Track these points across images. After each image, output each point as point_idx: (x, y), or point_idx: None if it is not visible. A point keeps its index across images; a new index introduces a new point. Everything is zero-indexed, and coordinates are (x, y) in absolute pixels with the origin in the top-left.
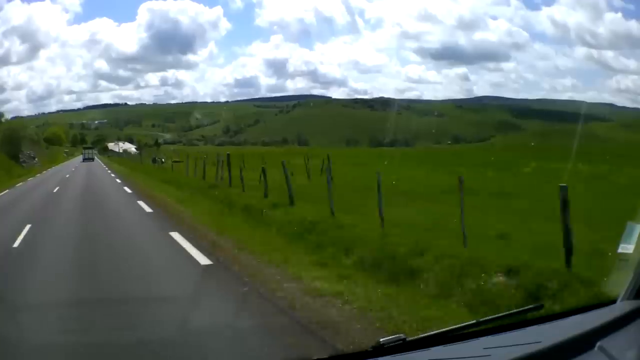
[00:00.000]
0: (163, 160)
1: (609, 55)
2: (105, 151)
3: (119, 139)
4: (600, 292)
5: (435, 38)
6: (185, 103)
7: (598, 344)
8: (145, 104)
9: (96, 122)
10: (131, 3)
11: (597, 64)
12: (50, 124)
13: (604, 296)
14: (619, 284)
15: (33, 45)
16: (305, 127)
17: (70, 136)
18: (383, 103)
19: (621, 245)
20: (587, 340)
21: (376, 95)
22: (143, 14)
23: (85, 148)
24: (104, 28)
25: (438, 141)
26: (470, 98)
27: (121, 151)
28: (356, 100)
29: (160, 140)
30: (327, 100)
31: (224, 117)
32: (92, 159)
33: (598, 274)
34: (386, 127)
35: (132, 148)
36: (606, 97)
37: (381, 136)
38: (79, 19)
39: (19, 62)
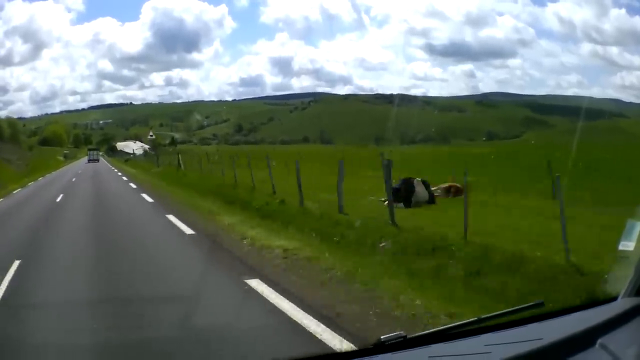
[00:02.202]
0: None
1: (613, 51)
2: (113, 152)
3: (128, 138)
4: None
5: (441, 34)
6: (192, 102)
7: (599, 341)
8: (150, 103)
9: (101, 122)
10: (134, 2)
11: (602, 60)
12: (52, 123)
13: (605, 293)
14: (619, 281)
15: (35, 45)
16: (324, 125)
17: (72, 136)
18: (403, 99)
19: (621, 243)
20: (588, 338)
21: (381, 92)
22: (147, 12)
23: (90, 149)
24: (107, 27)
25: (471, 138)
26: (477, 94)
27: (137, 152)
28: (377, 96)
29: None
30: (345, 96)
31: (235, 116)
32: (97, 160)
33: None
34: (411, 123)
35: (145, 148)
36: (610, 93)
37: (412, 133)
38: (82, 18)
39: (21, 63)
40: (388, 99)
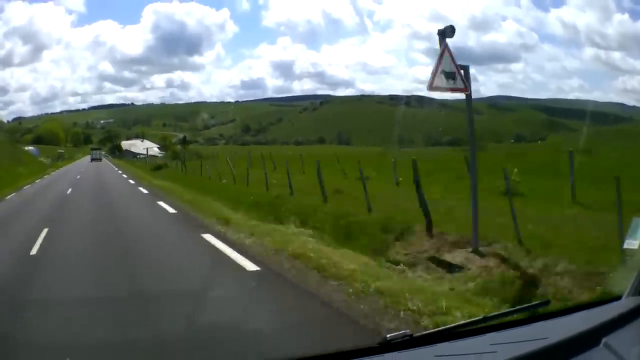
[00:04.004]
0: None
1: (616, 55)
2: (120, 153)
3: (130, 137)
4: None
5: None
6: (195, 103)
7: (603, 340)
8: (152, 104)
9: (102, 121)
10: (136, 5)
11: (604, 65)
12: (49, 121)
13: (609, 292)
14: (624, 280)
15: (36, 46)
16: (339, 126)
17: (71, 135)
18: (419, 100)
19: (626, 241)
20: (592, 337)
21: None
22: (148, 16)
23: (93, 149)
24: (108, 30)
25: (499, 140)
26: (479, 98)
27: (152, 152)
28: (392, 97)
29: (177, 139)
30: (359, 97)
31: (240, 116)
32: (100, 159)
33: None
34: (431, 125)
35: (154, 147)
36: (612, 97)
37: (436, 135)
38: (82, 20)
39: (22, 64)
40: (403, 100)
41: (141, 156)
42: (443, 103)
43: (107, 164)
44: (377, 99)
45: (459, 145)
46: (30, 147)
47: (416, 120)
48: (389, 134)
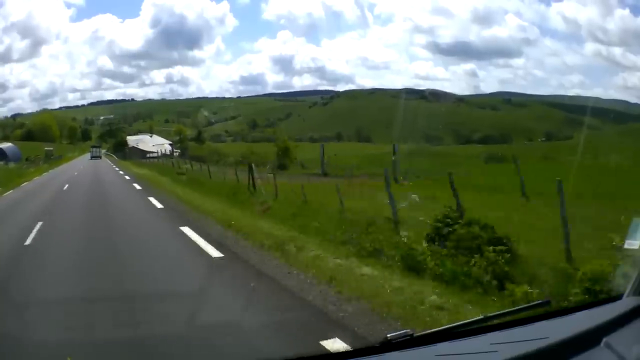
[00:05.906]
0: None
1: (616, 51)
2: (130, 151)
3: (130, 133)
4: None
5: (445, 32)
6: (196, 98)
7: (604, 339)
8: (152, 99)
9: (101, 117)
10: None
11: (605, 61)
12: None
13: (610, 292)
14: (624, 279)
15: (35, 41)
16: (352, 121)
17: (67, 130)
18: (434, 94)
19: (627, 242)
20: (593, 336)
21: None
22: (147, 9)
23: (92, 147)
24: (107, 24)
25: (530, 138)
26: (485, 94)
27: (164, 150)
28: (407, 91)
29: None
30: (371, 90)
31: (244, 112)
32: (100, 157)
33: None
34: (455, 121)
35: (165, 144)
36: (612, 94)
37: (465, 132)
38: (81, 15)
39: (20, 60)
40: (418, 94)
41: (154, 154)
42: (460, 98)
43: (117, 181)
44: (390, 93)
45: (488, 143)
46: (7, 144)
47: (435, 115)
48: (410, 131)
